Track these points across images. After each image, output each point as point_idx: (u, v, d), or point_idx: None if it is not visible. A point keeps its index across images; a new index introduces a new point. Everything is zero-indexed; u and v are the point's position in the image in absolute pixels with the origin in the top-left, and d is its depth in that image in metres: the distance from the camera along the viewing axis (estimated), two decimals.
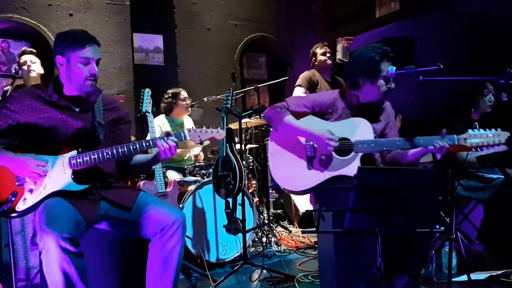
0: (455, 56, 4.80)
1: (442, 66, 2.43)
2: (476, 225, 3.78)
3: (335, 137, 2.50)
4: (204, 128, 2.29)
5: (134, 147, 2.18)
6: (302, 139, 2.64)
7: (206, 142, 2.69)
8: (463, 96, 3.76)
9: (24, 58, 4.09)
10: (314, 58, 4.68)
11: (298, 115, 2.67)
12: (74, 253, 1.92)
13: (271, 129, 2.78)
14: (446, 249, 3.03)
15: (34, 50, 4.22)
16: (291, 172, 2.64)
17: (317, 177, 2.57)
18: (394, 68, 2.57)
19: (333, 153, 2.57)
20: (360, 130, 2.58)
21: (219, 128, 2.31)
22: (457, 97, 3.87)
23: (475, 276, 2.95)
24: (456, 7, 4.98)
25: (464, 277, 2.94)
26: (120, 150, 2.17)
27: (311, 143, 2.60)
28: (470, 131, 2.40)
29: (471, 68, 4.52)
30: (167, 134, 2.23)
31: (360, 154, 2.55)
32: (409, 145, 2.51)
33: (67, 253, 1.90)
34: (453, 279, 2.92)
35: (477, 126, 2.77)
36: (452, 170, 3.17)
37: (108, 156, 2.16)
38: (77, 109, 2.28)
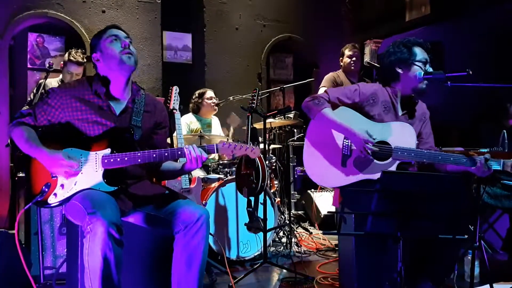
0: (484, 62, 4.72)
1: (471, 72, 2.40)
2: (502, 235, 3.71)
3: (373, 139, 2.43)
4: (238, 143, 2.24)
5: (166, 153, 2.18)
6: (340, 136, 2.56)
7: None
8: (494, 102, 3.68)
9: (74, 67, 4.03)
10: (341, 58, 4.71)
11: (336, 106, 2.62)
12: (118, 240, 1.96)
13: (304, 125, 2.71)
14: (469, 258, 2.99)
15: (83, 60, 4.10)
16: (323, 167, 2.58)
17: (350, 177, 2.52)
18: (422, 72, 2.55)
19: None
20: (403, 136, 2.49)
21: (253, 146, 2.25)
22: (486, 103, 3.80)
23: (498, 286, 2.90)
24: (486, 12, 4.89)
25: (486, 287, 2.89)
26: (152, 155, 2.17)
27: (349, 142, 2.53)
28: None
29: (500, 75, 4.44)
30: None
31: (398, 161, 2.47)
32: (452, 161, 2.40)
33: (111, 239, 1.93)
34: None
35: (505, 135, 2.72)
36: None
37: (139, 159, 2.16)
38: (117, 113, 2.29)
